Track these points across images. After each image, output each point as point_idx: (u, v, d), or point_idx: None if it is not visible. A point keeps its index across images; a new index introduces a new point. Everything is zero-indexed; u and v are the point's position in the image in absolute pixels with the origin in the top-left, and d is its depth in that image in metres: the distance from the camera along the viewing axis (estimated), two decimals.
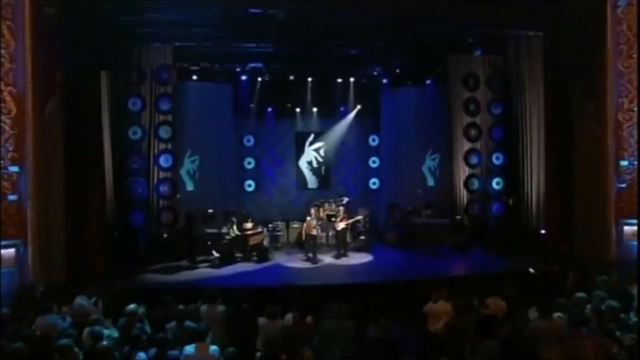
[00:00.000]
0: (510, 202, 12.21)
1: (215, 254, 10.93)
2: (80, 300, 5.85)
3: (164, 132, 11.61)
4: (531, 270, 8.95)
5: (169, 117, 11.84)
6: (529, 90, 11.95)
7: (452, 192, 13.93)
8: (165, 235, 11.82)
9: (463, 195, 13.54)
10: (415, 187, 14.34)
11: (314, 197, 14.33)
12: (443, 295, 6.35)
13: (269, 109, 14.52)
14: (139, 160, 11.39)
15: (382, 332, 4.91)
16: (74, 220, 9.19)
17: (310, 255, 10.87)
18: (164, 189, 11.78)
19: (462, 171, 13.49)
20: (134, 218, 11.27)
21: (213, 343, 4.87)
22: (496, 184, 12.41)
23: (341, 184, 14.95)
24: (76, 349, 4.42)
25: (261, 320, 5.68)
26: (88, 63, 9.34)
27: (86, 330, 4.93)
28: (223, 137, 13.99)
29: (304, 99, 14.46)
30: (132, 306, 5.41)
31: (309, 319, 5.58)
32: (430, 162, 14.79)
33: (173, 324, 5.32)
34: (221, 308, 5.93)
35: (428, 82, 14.17)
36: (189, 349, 4.55)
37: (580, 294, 5.77)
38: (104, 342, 4.59)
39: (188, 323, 5.17)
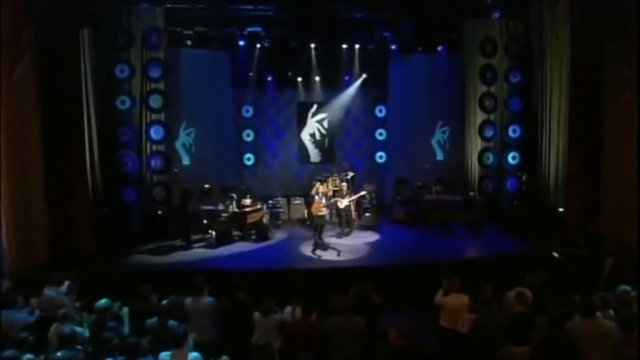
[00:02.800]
0: (524, 177, 11.34)
1: (212, 233, 10.20)
2: (49, 292, 5.12)
3: (155, 101, 10.78)
4: (555, 254, 8.17)
5: (161, 86, 10.98)
6: (551, 57, 10.90)
7: (464, 167, 13.13)
8: (159, 212, 11.11)
9: (475, 170, 12.73)
10: (425, 161, 13.56)
11: (317, 171, 13.55)
12: (456, 286, 5.53)
13: (269, 78, 13.61)
14: (129, 132, 10.59)
15: (405, 339, 4.10)
16: (55, 196, 8.45)
17: (316, 237, 10.06)
18: (156, 163, 11.03)
19: (475, 145, 12.66)
20: (125, 194, 10.57)
21: (198, 345, 4.14)
22: (512, 158, 11.56)
23: (346, 158, 14.05)
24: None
25: (256, 315, 4.97)
26: (64, 19, 8.28)
27: (52, 327, 4.22)
28: (220, 108, 13.09)
29: (307, 67, 13.41)
30: (103, 301, 4.67)
31: (313, 316, 4.82)
32: (440, 135, 13.91)
33: (154, 320, 4.59)
34: (208, 300, 5.17)
35: (440, 48, 13.11)
36: (164, 356, 3.84)
37: (624, 287, 5.00)
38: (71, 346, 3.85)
39: (171, 322, 4.45)
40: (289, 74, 13.79)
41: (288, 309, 5.14)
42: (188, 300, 5.09)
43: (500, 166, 11.71)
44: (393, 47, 13.26)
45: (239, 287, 5.78)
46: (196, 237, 10.27)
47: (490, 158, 11.63)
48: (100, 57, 10.27)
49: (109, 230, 9.93)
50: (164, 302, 4.83)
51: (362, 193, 11.11)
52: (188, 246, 9.89)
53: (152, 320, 4.61)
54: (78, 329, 4.29)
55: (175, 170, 12.04)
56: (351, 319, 4.63)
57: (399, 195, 13.11)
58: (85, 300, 5.69)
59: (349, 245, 9.86)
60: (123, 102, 10.43)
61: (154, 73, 10.75)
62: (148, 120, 11.07)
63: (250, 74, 13.27)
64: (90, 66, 9.94)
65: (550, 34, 10.88)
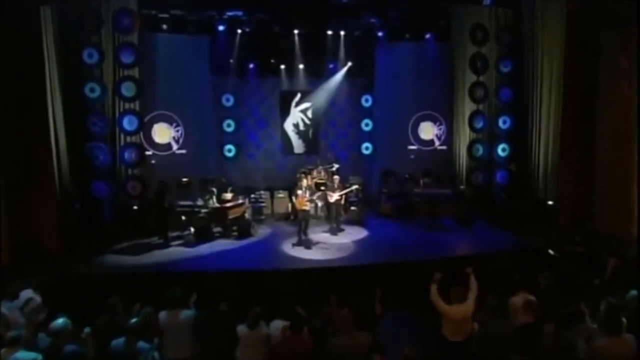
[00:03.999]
0: (513, 167, 11.05)
1: (191, 230, 9.61)
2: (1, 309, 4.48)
3: (128, 89, 10.09)
4: (551, 251, 7.89)
5: (134, 73, 10.30)
6: (543, 46, 10.58)
7: (452, 158, 12.83)
8: (134, 208, 10.46)
9: (463, 162, 12.43)
10: (412, 153, 13.21)
11: (301, 163, 13.07)
12: (459, 296, 4.94)
13: (251, 65, 12.97)
14: (99, 122, 9.87)
15: None
16: (18, 192, 7.74)
17: (302, 234, 9.61)
18: (129, 155, 10.37)
19: (464, 135, 12.36)
20: (96, 189, 9.90)
21: None
22: (502, 150, 11.24)
23: (331, 149, 13.57)
24: None
25: (241, 328, 4.48)
26: None
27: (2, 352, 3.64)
28: (199, 97, 12.40)
29: (290, 54, 12.79)
30: (60, 321, 4.05)
31: (304, 333, 4.34)
32: (433, 127, 13.51)
33: (121, 342, 4.03)
34: (186, 314, 4.60)
35: (428, 36, 12.68)
36: None
37: (634, 293, 4.67)
38: None
39: (141, 344, 3.91)
40: (272, 61, 13.13)
41: (276, 323, 4.65)
42: (163, 315, 4.54)
43: (490, 158, 11.38)
44: (380, 34, 12.73)
45: (220, 294, 5.25)
46: (174, 234, 9.68)
47: (479, 150, 11.30)
48: (66, 39, 9.49)
49: (78, 229, 9.26)
50: (134, 320, 4.24)
51: (354, 187, 10.64)
52: (165, 244, 9.30)
53: (118, 342, 4.05)
54: (29, 356, 3.69)
55: (153, 161, 11.41)
56: (357, 337, 4.09)
57: (385, 187, 12.73)
58: (50, 309, 5.12)
59: (337, 244, 9.40)
60: (92, 90, 9.69)
61: (126, 59, 10.02)
62: (121, 110, 10.38)
63: (231, 61, 12.59)
64: (54, 49, 9.15)
65: (542, 22, 10.54)
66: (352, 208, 11.54)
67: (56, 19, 9.16)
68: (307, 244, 9.34)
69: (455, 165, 12.65)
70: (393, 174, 12.76)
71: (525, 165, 11.04)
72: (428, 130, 13.49)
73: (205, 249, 9.03)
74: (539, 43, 10.63)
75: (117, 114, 10.36)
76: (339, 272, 7.65)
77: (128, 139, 10.49)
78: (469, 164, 12.02)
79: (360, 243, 9.48)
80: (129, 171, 10.57)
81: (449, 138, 13.15)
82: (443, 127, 13.39)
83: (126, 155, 10.37)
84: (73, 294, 6.41)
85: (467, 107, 12.08)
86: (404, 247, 9.10)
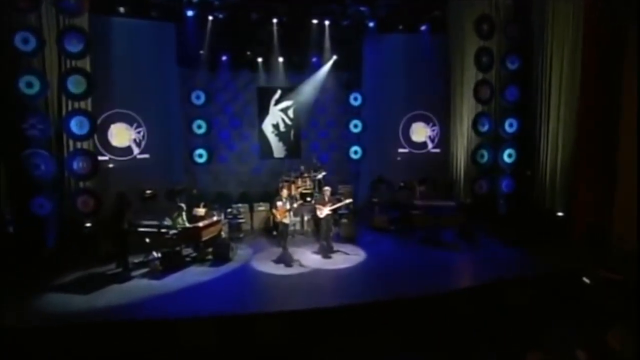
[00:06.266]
0: (529, 173, 10.02)
1: (156, 255, 7.98)
2: None
3: (76, 84, 8.45)
4: (586, 279, 6.80)
5: (83, 64, 8.64)
6: (556, 40, 9.48)
7: (449, 163, 11.70)
8: (86, 228, 8.73)
9: (461, 167, 11.31)
10: (401, 156, 12.09)
11: (279, 166, 11.96)
12: None
13: (224, 58, 11.62)
14: (40, 124, 8.11)
15: None
16: None
17: (283, 252, 8.28)
18: (79, 164, 8.70)
19: (462, 139, 11.25)
20: (37, 205, 8.16)
21: None
22: (508, 156, 10.14)
23: (315, 153, 12.24)
24: None
25: None
26: None
27: None
28: (164, 93, 11.06)
29: (269, 45, 11.49)
30: None
31: None
32: (426, 128, 12.42)
33: None
34: None
35: (423, 27, 11.47)
36: None
37: None
38: None
39: None
40: (248, 53, 11.74)
41: None
42: None
43: (494, 165, 10.25)
44: (370, 24, 11.49)
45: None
46: (136, 260, 8.04)
47: (485, 156, 10.14)
48: None
49: (11, 258, 7.45)
50: None
51: (347, 201, 9.25)
52: (125, 275, 7.65)
53: None
54: None
55: (110, 165, 9.73)
56: None
57: (376, 196, 11.44)
58: None
59: (331, 270, 7.97)
60: (30, 85, 7.91)
61: (73, 47, 8.34)
62: (68, 109, 8.65)
63: (201, 51, 11.10)
64: None
65: (554, 12, 9.46)
66: (343, 220, 10.19)
67: None
68: (288, 262, 8.11)
69: (453, 171, 11.53)
70: (385, 181, 11.51)
71: (534, 172, 9.98)
72: (420, 132, 12.34)
73: (174, 281, 7.42)
74: (551, 36, 9.56)
75: (63, 115, 8.58)
76: (347, 314, 6.26)
77: (78, 144, 8.73)
78: (469, 171, 10.87)
79: (358, 269, 8.08)
80: (79, 184, 8.81)
81: (443, 141, 12.03)
82: (436, 128, 12.31)
83: (75, 164, 8.66)
84: None
85: (466, 107, 11.05)
86: (412, 273, 7.78)
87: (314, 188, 10.69)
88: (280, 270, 7.98)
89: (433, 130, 12.31)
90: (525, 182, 10.08)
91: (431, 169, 11.80)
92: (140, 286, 7.21)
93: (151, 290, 7.02)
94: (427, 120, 12.28)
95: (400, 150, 12.26)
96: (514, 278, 7.30)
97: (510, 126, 10.11)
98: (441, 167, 11.86)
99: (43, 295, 6.76)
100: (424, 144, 12.35)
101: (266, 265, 8.19)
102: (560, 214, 9.54)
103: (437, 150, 12.26)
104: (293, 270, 7.93)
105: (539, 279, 7.35)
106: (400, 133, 12.28)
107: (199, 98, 11.56)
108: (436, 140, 12.29)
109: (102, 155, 10.01)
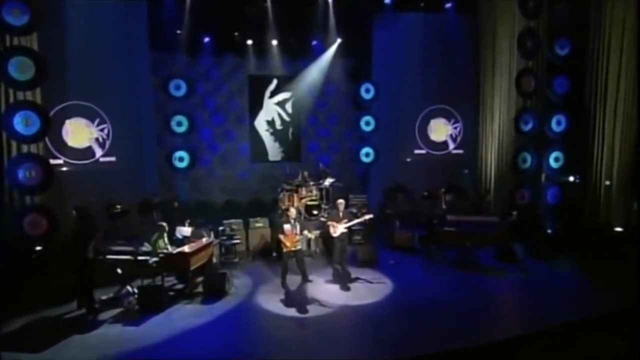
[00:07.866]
0: (577, 179, 8.66)
1: (131, 290, 6.08)
2: None
3: (20, 68, 6.69)
4: None
5: (30, 43, 7.08)
6: (615, 20, 8.20)
7: (478, 169, 10.15)
8: (34, 256, 6.77)
9: (491, 172, 9.76)
10: (417, 157, 10.64)
11: (272, 169, 10.38)
12: None
13: (207, 39, 10.01)
14: None
15: None
16: None
17: (303, 285, 6.58)
18: (27, 173, 6.85)
19: (492, 139, 9.75)
20: None
21: None
22: (554, 160, 8.68)
23: (318, 156, 10.56)
24: None
25: None
26: None
27: None
28: (134, 82, 9.40)
29: (261, 25, 9.75)
30: None
31: None
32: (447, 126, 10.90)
33: None
34: None
35: (449, 4, 10.05)
36: None
37: None
38: None
39: None
40: (235, 34, 10.11)
41: None
42: None
43: (537, 170, 8.76)
44: (385, 1, 9.74)
45: None
46: (104, 297, 6.13)
47: (528, 160, 8.59)
48: None
49: None
50: None
51: (368, 217, 7.49)
52: (90, 319, 5.76)
53: None
54: None
55: (65, 168, 8.38)
56: None
57: (391, 207, 9.79)
58: None
59: (356, 308, 6.21)
60: None
61: (16, 19, 6.56)
62: (9, 101, 7.03)
63: (178, 32, 9.51)
64: None
65: None
66: (357, 238, 8.49)
67: None
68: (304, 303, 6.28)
69: (481, 176, 9.97)
70: (404, 190, 9.88)
71: (585, 179, 8.58)
72: (440, 130, 10.76)
73: (156, 327, 5.53)
74: (606, 16, 8.23)
75: (2, 109, 6.61)
76: None
77: (23, 147, 6.85)
78: (502, 177, 9.35)
79: (390, 306, 6.35)
80: (26, 198, 6.81)
81: (468, 140, 10.49)
82: (459, 125, 10.76)
83: (21, 173, 6.76)
84: None
85: (498, 100, 9.59)
86: (456, 309, 6.12)
87: (321, 198, 8.95)
88: (294, 309, 6.18)
89: (455, 128, 10.78)
90: (574, 190, 8.68)
91: (452, 174, 10.18)
92: (110, 337, 5.31)
93: (126, 342, 5.15)
94: (448, 116, 10.78)
95: (417, 151, 10.65)
96: (587, 317, 5.78)
97: (558, 124, 8.70)
98: (470, 171, 10.27)
99: None
100: (444, 144, 10.81)
101: (274, 303, 6.37)
102: (618, 229, 8.41)
103: (460, 151, 10.77)
104: (310, 309, 6.16)
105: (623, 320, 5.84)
106: (416, 131, 10.70)
107: (179, 89, 9.80)
108: (458, 139, 10.73)
109: (55, 158, 8.18)
